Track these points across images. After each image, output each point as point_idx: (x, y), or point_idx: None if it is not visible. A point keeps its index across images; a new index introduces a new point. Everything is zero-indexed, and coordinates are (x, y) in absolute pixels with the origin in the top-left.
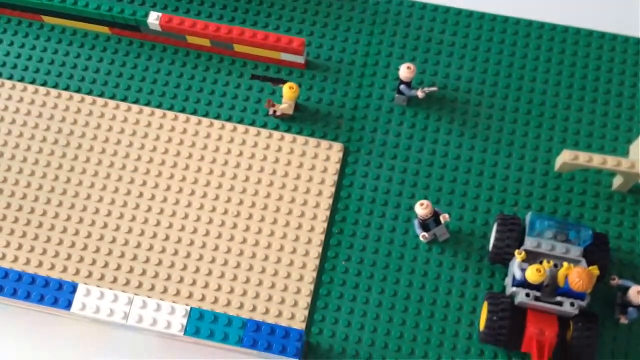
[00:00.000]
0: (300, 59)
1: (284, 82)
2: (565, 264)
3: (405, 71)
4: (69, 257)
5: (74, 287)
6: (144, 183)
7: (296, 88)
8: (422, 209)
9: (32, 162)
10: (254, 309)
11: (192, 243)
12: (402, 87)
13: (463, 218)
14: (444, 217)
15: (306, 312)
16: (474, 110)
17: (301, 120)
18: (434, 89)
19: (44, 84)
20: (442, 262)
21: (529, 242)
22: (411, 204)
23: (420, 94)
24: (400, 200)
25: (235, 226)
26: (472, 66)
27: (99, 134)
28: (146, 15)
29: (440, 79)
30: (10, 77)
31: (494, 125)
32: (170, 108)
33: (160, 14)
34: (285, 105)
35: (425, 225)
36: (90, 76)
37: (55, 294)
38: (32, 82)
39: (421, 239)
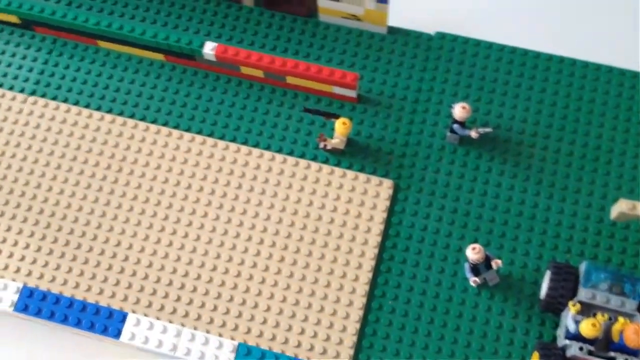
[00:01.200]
0: (352, 93)
1: (337, 116)
2: (620, 318)
3: (460, 111)
4: (117, 282)
5: (123, 317)
6: (193, 211)
7: (349, 124)
8: (474, 253)
9: (84, 186)
10: (299, 345)
11: (239, 274)
12: (455, 126)
13: (514, 263)
14: (496, 263)
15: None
16: (527, 152)
17: (351, 155)
18: (488, 129)
19: (98, 109)
20: (491, 307)
21: (584, 294)
22: (461, 245)
23: (474, 134)
24: (449, 241)
25: (282, 259)
26: (526, 106)
27: (151, 161)
28: (202, 45)
29: (493, 118)
30: (65, 100)
31: (547, 168)
32: (222, 137)
33: (216, 45)
34: (337, 140)
35: (475, 270)
36: (144, 102)
37: (105, 322)
38: (87, 106)
39: (471, 283)
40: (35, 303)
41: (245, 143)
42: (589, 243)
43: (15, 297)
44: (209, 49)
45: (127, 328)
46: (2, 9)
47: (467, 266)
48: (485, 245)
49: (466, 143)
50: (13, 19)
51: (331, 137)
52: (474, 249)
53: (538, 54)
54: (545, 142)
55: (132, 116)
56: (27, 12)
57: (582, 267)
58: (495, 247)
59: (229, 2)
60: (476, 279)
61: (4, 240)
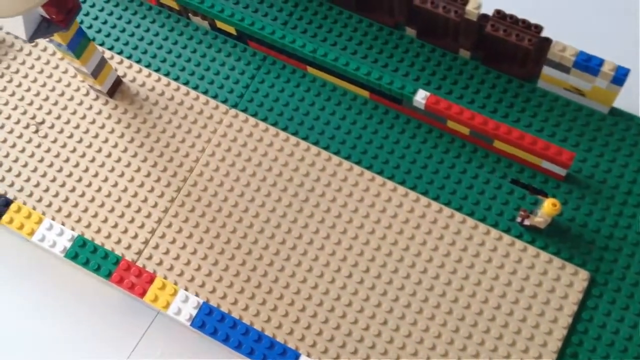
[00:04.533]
0: (561, 171)
1: (545, 194)
2: None
3: None
4: (297, 320)
5: (296, 357)
6: (372, 258)
7: (559, 207)
8: None
9: (269, 209)
10: None
11: (421, 341)
12: None
13: None
14: None
15: None
16: None
17: (548, 235)
18: None
19: (294, 133)
20: None
21: None
22: None
23: None
24: None
25: (457, 330)
26: None
27: (339, 197)
28: (414, 92)
29: None
30: (265, 119)
31: None
32: (413, 187)
33: (428, 94)
34: (540, 219)
35: None
36: (340, 136)
37: (277, 358)
38: (284, 129)
39: None
40: (213, 322)
41: (436, 199)
42: None
43: (194, 312)
44: (421, 97)
45: None
46: (224, 19)
47: None
48: None
49: None
50: (231, 29)
51: (531, 210)
52: None
53: None
54: None
55: (326, 147)
56: (245, 26)
57: None
58: None
59: (444, 51)
60: None
61: (194, 252)
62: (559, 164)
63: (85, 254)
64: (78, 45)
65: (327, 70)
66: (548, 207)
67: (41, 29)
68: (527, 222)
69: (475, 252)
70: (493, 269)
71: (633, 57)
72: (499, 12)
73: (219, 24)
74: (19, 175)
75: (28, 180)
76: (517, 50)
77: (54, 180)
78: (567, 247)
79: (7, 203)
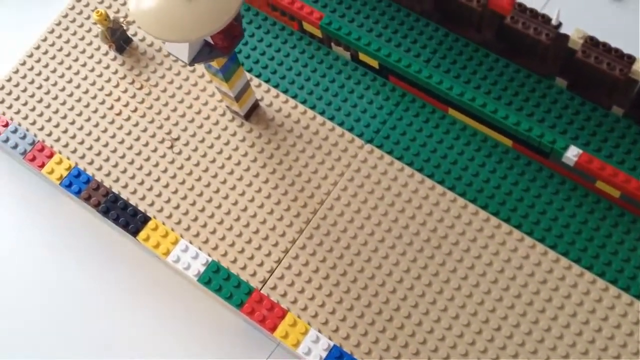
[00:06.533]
0: None
1: None
2: None
3: None
4: None
5: None
6: (505, 316)
7: None
8: None
9: (399, 252)
10: None
11: None
12: None
13: None
14: None
15: None
16: None
17: None
18: None
19: (430, 176)
20: None
21: None
22: None
23: None
24: None
25: None
26: None
27: (472, 247)
28: (565, 147)
29: None
30: (400, 158)
31: None
32: (553, 246)
33: (580, 152)
34: None
35: None
36: (479, 184)
37: None
38: (420, 170)
39: None
40: None
41: (577, 261)
42: None
43: (324, 355)
44: (572, 154)
45: None
46: (370, 53)
47: None
48: None
49: None
50: (374, 63)
51: None
52: None
53: None
54: None
55: (462, 194)
56: (391, 62)
57: None
58: None
59: (595, 105)
60: None
61: (320, 287)
62: None
63: (219, 280)
64: (229, 70)
65: (470, 114)
66: None
67: (203, 54)
68: None
69: (615, 322)
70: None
71: None
72: None
73: (362, 56)
74: (150, 189)
75: (159, 195)
76: None
77: (184, 198)
78: None
79: (146, 220)
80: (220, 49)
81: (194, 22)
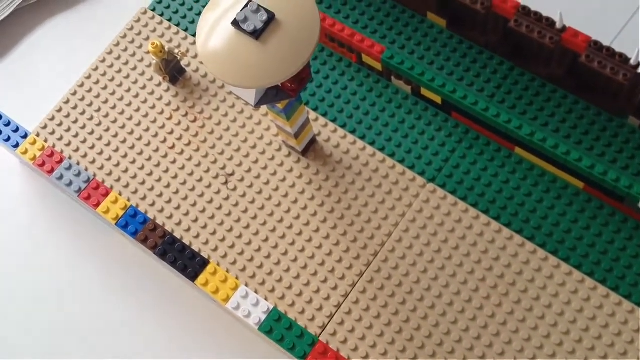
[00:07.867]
0: None
1: None
2: None
3: None
4: None
5: None
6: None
7: None
8: None
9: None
10: None
11: None
12: None
13: None
14: None
15: None
16: None
17: None
18: None
19: (496, 218)
20: None
21: None
22: None
23: None
24: None
25: None
26: None
27: (543, 295)
28: None
29: None
30: (464, 198)
31: None
32: (627, 296)
33: None
34: None
35: None
36: (548, 228)
37: None
38: (485, 211)
39: None
40: None
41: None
42: None
43: None
44: None
45: None
46: (434, 89)
47: None
48: None
49: None
50: (436, 98)
51: None
52: None
53: None
54: None
55: (531, 238)
56: (456, 98)
57: None
58: None
59: None
60: None
61: (381, 334)
62: None
63: (281, 329)
64: (292, 108)
65: (539, 154)
66: None
67: (269, 96)
68: None
69: None
70: None
71: None
72: None
73: (424, 92)
74: (205, 226)
75: (214, 233)
76: None
77: (240, 236)
78: None
79: (204, 263)
80: (288, 91)
81: (266, 69)
